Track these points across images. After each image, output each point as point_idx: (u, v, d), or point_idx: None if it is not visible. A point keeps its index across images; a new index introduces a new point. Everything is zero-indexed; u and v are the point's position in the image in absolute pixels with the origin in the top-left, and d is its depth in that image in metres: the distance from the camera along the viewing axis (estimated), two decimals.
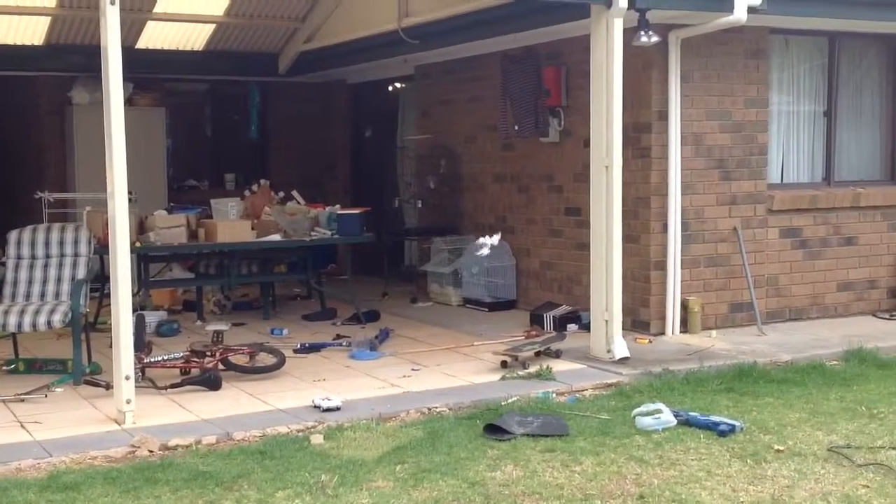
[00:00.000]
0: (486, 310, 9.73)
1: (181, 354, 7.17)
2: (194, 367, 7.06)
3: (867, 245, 9.29)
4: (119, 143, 5.93)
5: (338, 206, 10.14)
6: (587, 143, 7.74)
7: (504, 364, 7.24)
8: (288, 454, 5.31)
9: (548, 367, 7.03)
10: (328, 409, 6.11)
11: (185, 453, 5.42)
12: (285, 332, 8.86)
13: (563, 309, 8.85)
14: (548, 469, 5.10)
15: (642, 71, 8.25)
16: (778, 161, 9.10)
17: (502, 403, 6.27)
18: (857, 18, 8.66)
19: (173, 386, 6.73)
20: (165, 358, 7.15)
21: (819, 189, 9.20)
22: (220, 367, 7.02)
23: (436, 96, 11.06)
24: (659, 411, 5.87)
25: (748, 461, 5.22)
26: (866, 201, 9.24)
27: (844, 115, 9.39)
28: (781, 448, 5.41)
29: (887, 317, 9.14)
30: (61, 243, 7.64)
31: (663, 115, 8.28)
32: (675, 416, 5.87)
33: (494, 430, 5.67)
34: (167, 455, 5.38)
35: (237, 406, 6.33)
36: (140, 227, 8.96)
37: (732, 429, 5.68)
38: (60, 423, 5.92)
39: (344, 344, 8.18)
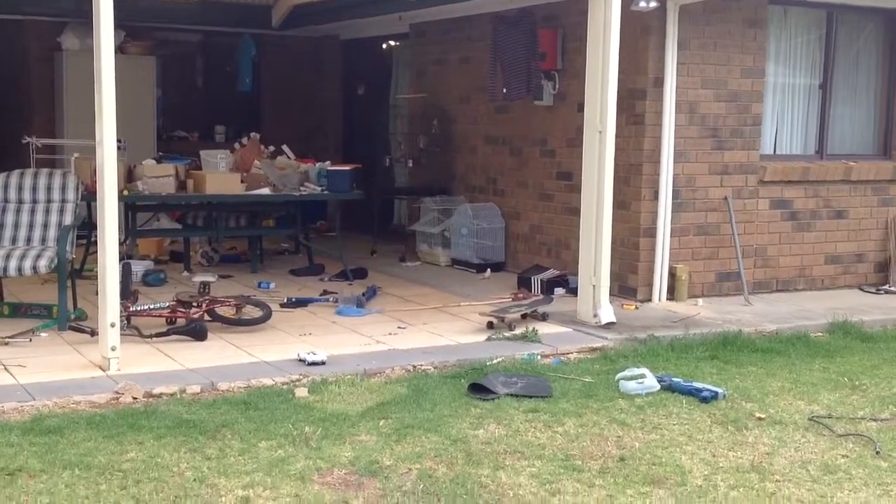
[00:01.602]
0: (475, 271, 9.73)
1: (167, 304, 7.16)
2: (180, 316, 7.04)
3: (856, 219, 9.31)
4: (109, 91, 5.87)
5: (328, 162, 10.09)
6: (581, 108, 7.70)
7: (490, 325, 7.25)
8: (272, 406, 5.32)
9: (534, 330, 7.04)
10: (313, 364, 6.12)
11: (170, 401, 5.42)
12: (272, 285, 8.85)
13: (550, 272, 8.86)
14: (530, 429, 5.12)
15: (639, 37, 8.19)
16: (772, 132, 9.08)
17: (487, 363, 6.29)
18: None
19: (159, 335, 6.72)
20: (151, 307, 7.14)
21: (811, 161, 9.20)
22: (207, 318, 7.00)
23: (430, 56, 10.97)
24: (643, 376, 5.90)
25: (729, 427, 5.26)
26: (857, 175, 9.25)
27: (840, 89, 9.35)
28: (763, 416, 5.45)
29: (873, 291, 9.19)
30: (48, 189, 7.57)
31: (659, 82, 8.24)
32: (659, 382, 5.90)
33: (478, 390, 5.69)
34: (151, 402, 5.38)
35: (222, 357, 6.33)
36: (128, 176, 8.90)
37: (715, 395, 5.72)
38: (44, 368, 5.91)
39: (331, 300, 8.17)
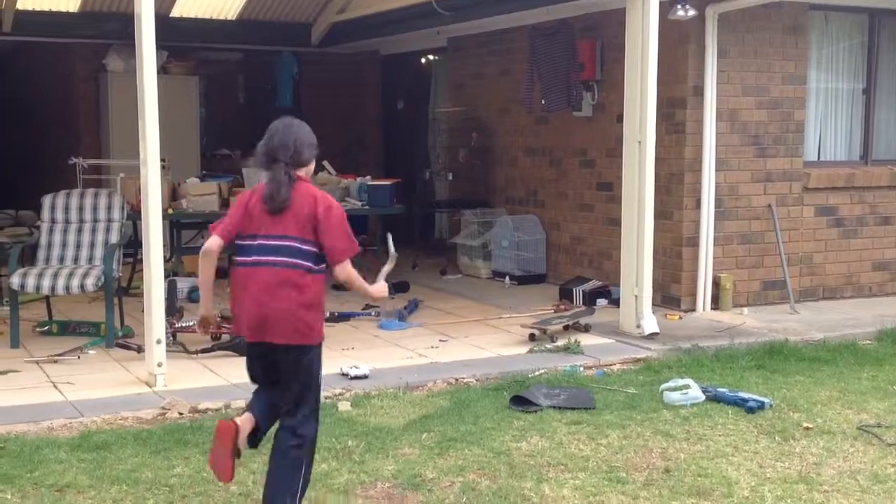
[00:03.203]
0: (516, 283, 9.71)
1: None
2: (225, 332, 7.10)
3: None
4: (152, 111, 5.97)
5: (368, 177, 10.15)
6: (620, 118, 7.67)
7: (532, 337, 7.23)
8: None
9: (576, 341, 7.02)
10: (356, 378, 6.15)
11: (215, 416, 5.47)
12: None
13: (592, 283, 8.82)
14: (573, 441, 5.10)
15: (678, 45, 8.16)
16: (815, 138, 8.97)
17: (529, 376, 6.28)
18: None
19: (204, 351, 6.79)
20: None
21: (856, 167, 9.07)
22: None
23: (468, 69, 11.01)
24: (687, 387, 5.85)
25: (776, 438, 5.19)
26: None
27: (884, 94, 9.23)
28: (810, 426, 5.38)
29: None
30: (95, 209, 7.71)
31: (699, 91, 8.19)
32: (704, 392, 5.85)
33: (521, 402, 5.68)
34: (197, 418, 5.44)
35: None
36: (172, 195, 9.03)
37: (761, 405, 5.65)
38: (92, 385, 6.01)
39: (373, 314, 8.20)
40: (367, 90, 13.44)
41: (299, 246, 4.00)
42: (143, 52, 5.92)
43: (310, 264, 4.01)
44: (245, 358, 4.26)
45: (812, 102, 8.85)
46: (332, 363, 6.47)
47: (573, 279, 9.10)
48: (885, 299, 8.94)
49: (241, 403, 5.65)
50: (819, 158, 9.02)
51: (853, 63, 9.08)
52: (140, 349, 6.48)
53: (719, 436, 5.22)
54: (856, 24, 9.03)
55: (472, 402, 5.71)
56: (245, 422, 4.05)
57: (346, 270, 4.06)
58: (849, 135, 9.18)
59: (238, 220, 4.13)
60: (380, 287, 4.31)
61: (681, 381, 5.92)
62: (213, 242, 4.16)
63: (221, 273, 10.53)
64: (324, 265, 4.06)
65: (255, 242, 4.04)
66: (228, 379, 6.19)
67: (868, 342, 7.41)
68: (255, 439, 4.10)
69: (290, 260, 3.99)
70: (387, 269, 4.42)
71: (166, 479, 4.51)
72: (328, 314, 8.07)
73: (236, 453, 4.02)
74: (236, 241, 4.14)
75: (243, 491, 4.38)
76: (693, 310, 8.28)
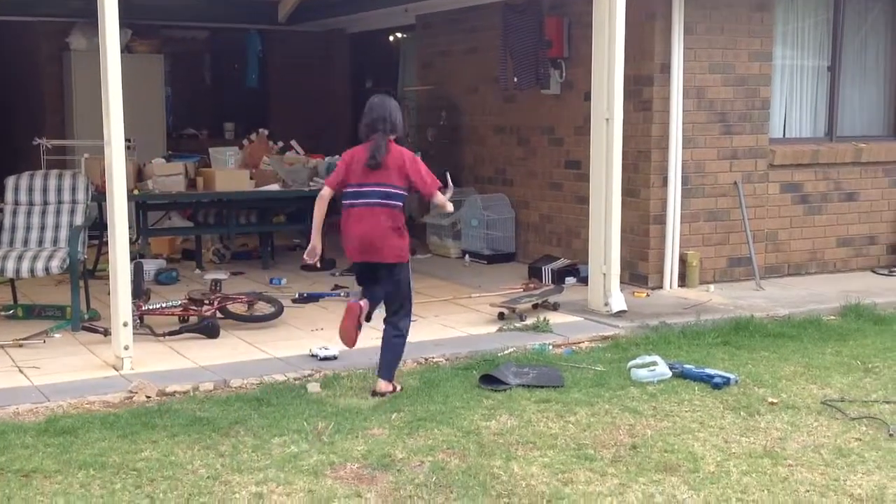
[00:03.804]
0: (485, 262, 9.73)
1: (179, 302, 7.19)
2: (192, 314, 7.07)
3: (867, 201, 9.27)
4: (115, 91, 5.89)
5: (337, 156, 10.08)
6: (588, 96, 7.68)
7: (501, 316, 7.26)
8: (285, 402, 5.34)
9: (545, 320, 7.05)
10: (325, 358, 6.14)
11: (183, 399, 5.45)
12: (284, 281, 8.88)
13: (561, 262, 8.85)
14: (542, 419, 5.13)
15: (645, 22, 8.16)
16: (780, 115, 9.03)
17: (499, 355, 6.30)
18: None
19: (171, 333, 6.75)
20: (164, 305, 7.17)
21: (821, 144, 9.15)
22: (219, 315, 7.03)
23: (437, 47, 10.96)
24: (654, 364, 5.90)
25: (741, 413, 5.25)
26: (868, 157, 9.20)
27: (848, 71, 9.30)
28: (775, 401, 5.44)
29: (886, 273, 9.15)
30: (59, 190, 7.62)
31: (665, 68, 8.21)
32: (671, 369, 5.90)
33: (490, 381, 5.70)
34: (165, 401, 5.41)
35: (235, 354, 6.36)
36: (138, 175, 8.95)
37: (727, 381, 5.71)
38: (58, 369, 5.96)
39: (342, 294, 8.18)
40: (335, 69, 13.35)
41: (392, 190, 5.48)
42: (106, 31, 5.83)
43: (399, 203, 5.52)
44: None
45: (778, 79, 8.90)
46: (301, 344, 6.50)
47: (542, 258, 9.13)
48: (849, 275, 9.06)
49: (210, 386, 5.67)
50: (784, 135, 9.08)
51: (818, 40, 9.14)
52: (107, 332, 6.43)
53: (686, 412, 5.28)
54: (821, 0, 9.08)
55: (441, 382, 5.72)
56: (365, 305, 5.62)
57: (437, 197, 5.62)
58: (814, 112, 9.25)
59: (343, 174, 5.59)
60: (446, 201, 5.74)
61: (648, 358, 5.97)
62: (325, 191, 5.68)
63: (189, 255, 10.45)
64: (402, 203, 5.56)
65: (361, 189, 5.50)
66: (196, 361, 6.16)
67: (832, 318, 7.50)
68: (367, 317, 5.70)
69: (385, 201, 5.48)
70: (449, 194, 5.82)
71: (134, 462, 4.49)
72: (297, 295, 8.09)
73: (359, 326, 5.60)
74: (344, 190, 5.59)
75: (211, 474, 4.37)
76: (660, 287, 8.34)
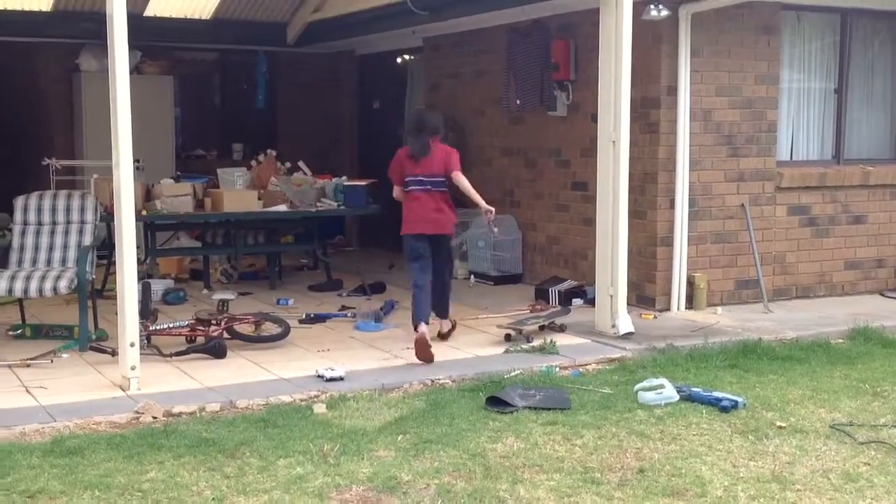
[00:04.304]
0: (492, 283, 9.73)
1: (186, 322, 7.20)
2: (199, 335, 7.09)
3: (875, 224, 9.25)
4: (124, 111, 5.92)
5: (344, 177, 10.14)
6: (595, 118, 7.69)
7: (508, 337, 7.25)
8: (291, 423, 5.34)
9: (552, 341, 7.03)
10: (332, 379, 6.13)
11: (189, 420, 5.45)
12: (291, 302, 8.89)
13: (568, 283, 8.85)
14: (549, 442, 5.11)
15: (652, 45, 8.19)
16: (787, 138, 9.04)
17: (505, 376, 6.29)
18: None
19: (178, 353, 6.76)
20: (171, 326, 7.18)
21: (828, 167, 9.15)
22: (226, 335, 7.04)
23: (444, 69, 11.01)
24: (661, 386, 5.88)
25: (749, 437, 5.22)
26: (875, 180, 9.19)
27: (855, 94, 9.31)
28: (783, 424, 5.42)
29: (894, 296, 9.11)
30: (68, 210, 7.65)
31: (672, 91, 8.23)
32: (678, 392, 5.88)
33: (497, 403, 5.69)
34: (171, 422, 5.41)
35: (241, 375, 6.36)
36: (146, 196, 8.98)
37: (735, 405, 5.68)
38: (65, 389, 5.96)
39: (349, 315, 8.20)
40: (343, 90, 13.41)
41: (440, 179, 7.14)
42: (116, 53, 5.87)
43: (445, 187, 7.17)
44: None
45: (784, 102, 8.91)
46: (307, 365, 6.50)
47: (549, 279, 9.12)
48: (857, 298, 9.03)
49: (216, 407, 5.67)
50: (791, 158, 9.09)
51: (825, 63, 9.16)
52: (114, 352, 6.43)
53: (693, 435, 5.25)
54: (828, 24, 9.11)
55: (447, 404, 5.71)
56: (424, 329, 6.75)
57: (458, 176, 7.14)
58: (821, 134, 9.26)
59: (399, 171, 7.30)
60: (485, 203, 7.26)
61: (655, 381, 5.95)
62: (396, 190, 7.39)
63: (196, 276, 10.48)
64: (447, 187, 7.18)
65: (416, 178, 7.15)
66: (203, 382, 6.16)
67: (841, 341, 7.48)
68: (432, 299, 7.15)
69: (437, 187, 7.13)
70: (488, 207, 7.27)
71: (139, 483, 4.48)
72: (304, 315, 8.10)
73: (428, 345, 6.67)
74: (405, 180, 7.23)
75: (216, 496, 4.36)
76: (668, 309, 8.33)
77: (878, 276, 9.31)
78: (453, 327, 7.42)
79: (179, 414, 5.55)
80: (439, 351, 6.99)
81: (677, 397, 5.83)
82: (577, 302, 8.55)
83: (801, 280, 8.96)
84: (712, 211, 8.52)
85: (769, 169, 8.72)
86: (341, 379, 6.16)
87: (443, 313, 7.36)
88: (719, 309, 8.38)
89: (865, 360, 6.88)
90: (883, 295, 9.19)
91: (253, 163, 10.30)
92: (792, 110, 9.03)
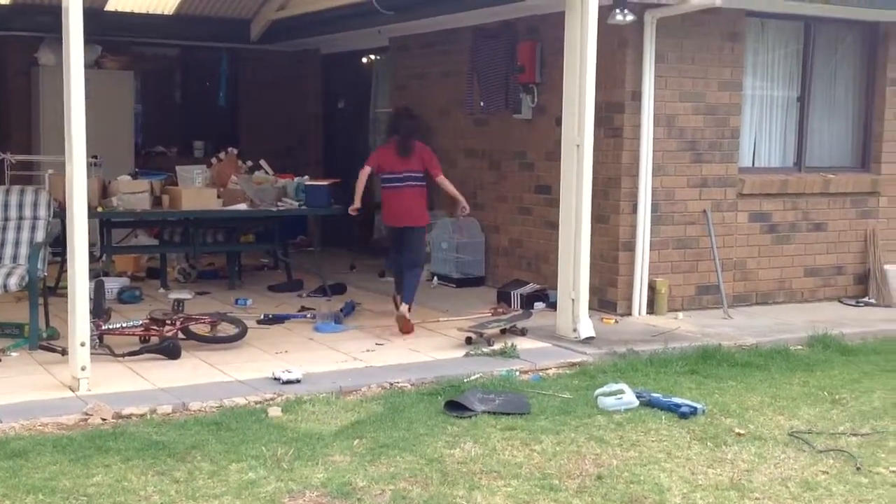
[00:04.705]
0: (454, 286, 9.66)
1: (140, 322, 7.05)
2: (154, 335, 6.95)
3: (835, 231, 9.31)
4: (78, 106, 5.79)
5: (307, 176, 10.02)
6: (560, 122, 7.66)
7: (469, 340, 7.18)
8: (244, 426, 5.22)
9: (512, 345, 6.98)
10: (288, 382, 6.02)
11: (139, 422, 5.32)
12: (249, 302, 8.76)
13: (530, 287, 8.80)
14: (507, 447, 5.04)
15: (617, 50, 8.17)
16: (750, 145, 9.06)
17: (465, 380, 6.21)
18: (833, 3, 8.62)
19: (131, 354, 6.62)
20: (124, 325, 7.03)
21: (790, 174, 9.19)
22: (181, 335, 6.91)
23: (410, 69, 10.93)
24: (621, 392, 5.84)
25: (708, 444, 5.19)
26: (836, 188, 9.24)
27: (818, 102, 9.36)
28: (742, 431, 5.39)
29: (853, 303, 9.17)
30: (20, 206, 7.47)
31: (636, 96, 8.21)
32: (638, 397, 5.84)
33: (456, 407, 5.61)
34: (120, 423, 5.28)
35: (195, 376, 6.23)
36: (103, 192, 8.80)
37: (694, 411, 5.65)
38: (13, 389, 5.79)
39: (308, 316, 8.08)
40: (307, 89, 13.28)
41: (420, 175, 7.78)
42: (70, 46, 5.73)
43: (422, 183, 7.80)
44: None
45: (748, 109, 8.94)
46: (263, 367, 6.38)
47: (511, 282, 9.07)
48: (816, 305, 9.07)
49: (168, 409, 5.54)
50: (754, 165, 9.11)
51: (788, 71, 9.20)
52: (64, 352, 6.28)
53: (652, 441, 5.21)
54: (791, 31, 9.15)
55: (406, 408, 5.63)
56: (405, 309, 7.62)
57: (442, 179, 7.92)
58: (783, 142, 9.29)
59: (377, 162, 7.87)
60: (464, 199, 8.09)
61: (615, 386, 5.91)
62: (366, 169, 7.85)
63: (154, 274, 10.29)
64: (424, 182, 7.83)
65: (399, 175, 7.74)
66: (155, 383, 6.02)
67: (800, 347, 7.49)
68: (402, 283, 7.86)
69: (417, 182, 7.77)
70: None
71: (84, 488, 4.35)
72: (262, 316, 7.98)
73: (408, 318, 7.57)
74: (382, 176, 7.84)
75: (164, 501, 4.24)
76: (629, 314, 8.31)
77: (836, 283, 9.37)
78: (408, 310, 7.75)
79: (129, 415, 5.42)
80: (399, 354, 6.92)
81: (637, 403, 5.79)
82: (539, 306, 8.50)
83: (760, 286, 8.99)
84: (674, 216, 8.51)
85: (731, 175, 8.73)
86: (298, 381, 6.05)
87: (409, 298, 7.75)
88: (680, 314, 8.37)
89: (824, 367, 6.90)
90: (841, 302, 9.24)
91: (213, 160, 10.14)
92: (755, 117, 9.06)
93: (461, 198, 8.02)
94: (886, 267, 9.31)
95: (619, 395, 5.79)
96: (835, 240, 9.31)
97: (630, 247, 8.30)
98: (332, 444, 5.01)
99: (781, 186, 8.99)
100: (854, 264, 9.42)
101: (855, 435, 5.40)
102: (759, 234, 8.93)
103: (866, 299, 9.24)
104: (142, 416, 5.43)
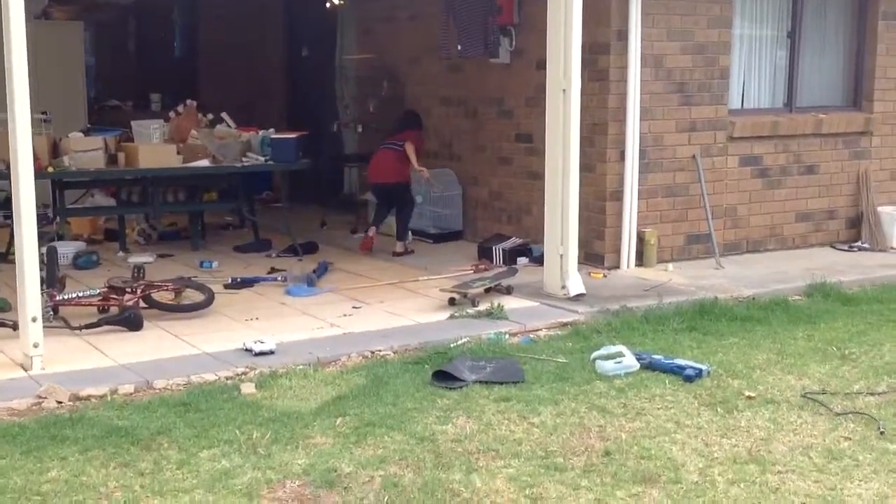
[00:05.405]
0: (431, 241, 9.21)
1: (98, 291, 6.54)
2: (113, 304, 6.44)
3: (827, 174, 8.94)
4: (20, 56, 5.23)
5: (272, 129, 9.42)
6: (540, 65, 7.19)
7: (452, 301, 6.75)
8: (215, 406, 4.77)
9: (499, 305, 6.55)
10: (261, 353, 5.57)
11: (99, 405, 4.85)
12: (215, 264, 8.23)
13: (513, 241, 8.36)
14: (503, 421, 4.64)
15: None
16: (739, 85, 8.62)
17: (451, 346, 5.79)
18: None
19: (89, 326, 6.11)
20: (81, 295, 6.52)
21: (780, 115, 8.77)
22: (142, 304, 6.41)
23: (378, 12, 10.34)
24: (620, 354, 5.45)
25: (718, 410, 4.82)
26: (828, 128, 8.85)
27: (808, 38, 8.91)
28: (752, 394, 5.03)
29: (846, 248, 8.84)
30: None
31: (623, 35, 7.72)
32: (638, 360, 5.45)
33: (444, 377, 5.19)
34: (78, 407, 4.81)
35: (160, 349, 5.76)
36: (54, 151, 8.20)
37: (699, 373, 5.28)
38: None
39: (279, 279, 7.59)
40: (269, 36, 12.61)
41: (398, 144, 8.73)
42: None
43: (400, 149, 8.70)
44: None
45: (737, 47, 8.48)
46: (234, 336, 5.93)
47: (492, 237, 8.62)
48: (808, 251, 8.73)
49: (130, 388, 5.08)
50: (742, 106, 8.68)
51: (778, 5, 8.73)
52: (15, 326, 5.75)
53: (658, 409, 4.83)
54: None
55: (390, 379, 5.19)
56: (373, 232, 8.78)
57: (408, 145, 8.68)
58: (773, 81, 8.86)
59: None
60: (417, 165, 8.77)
61: (613, 349, 5.52)
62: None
63: (112, 236, 9.67)
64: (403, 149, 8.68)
65: (385, 142, 8.91)
66: (116, 359, 5.54)
67: (798, 297, 7.15)
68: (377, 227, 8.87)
69: (392, 147, 8.76)
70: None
71: (38, 485, 3.89)
72: (229, 280, 7.49)
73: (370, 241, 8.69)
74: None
75: (128, 498, 3.79)
76: (617, 267, 7.91)
77: (828, 228, 9.02)
78: (405, 251, 8.62)
79: (88, 397, 4.94)
80: (379, 318, 6.48)
81: (637, 366, 5.41)
82: (522, 261, 8.07)
83: (752, 234, 8.62)
84: (663, 163, 8.09)
85: (721, 118, 8.30)
86: (271, 352, 5.60)
87: (399, 236, 8.66)
88: (670, 266, 7.99)
89: (827, 318, 6.55)
90: (834, 247, 8.91)
91: (172, 114, 9.52)
92: (744, 56, 8.61)
93: (415, 163, 8.69)
94: (879, 209, 8.98)
95: (618, 359, 5.40)
96: (826, 182, 8.95)
97: (618, 196, 7.87)
98: (313, 423, 4.57)
99: (773, 128, 8.58)
100: (846, 207, 9.08)
101: (872, 394, 5.06)
102: (750, 178, 8.53)
103: (859, 244, 8.91)
104: (101, 397, 4.95)
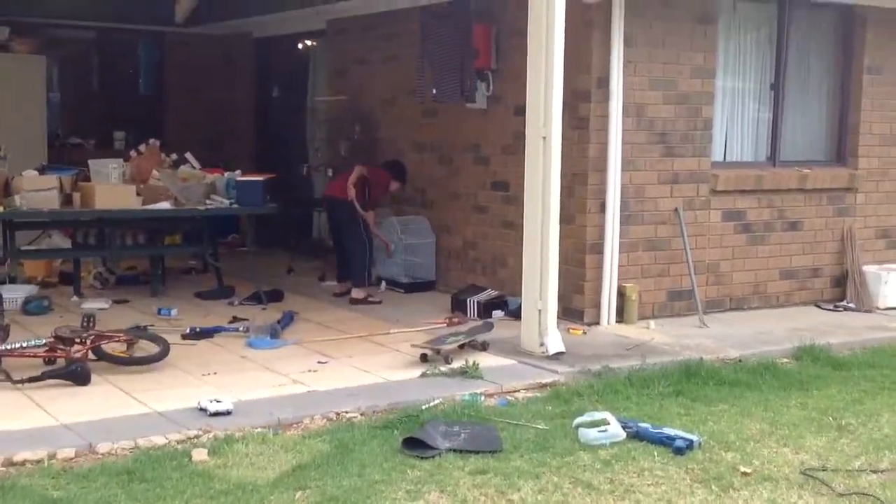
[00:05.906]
0: (402, 291, 8.83)
1: (44, 341, 6.08)
2: (60, 356, 5.98)
3: (811, 230, 8.68)
4: None
5: (238, 171, 9.05)
6: (518, 111, 6.92)
7: (424, 358, 6.35)
8: (162, 475, 4.33)
9: (474, 363, 6.16)
10: (216, 414, 5.14)
11: (35, 471, 4.39)
12: (174, 312, 7.79)
13: (487, 293, 7.99)
14: (480, 498, 4.23)
15: (581, 31, 7.38)
16: (721, 137, 8.38)
17: (423, 408, 5.38)
18: None
19: (31, 380, 5.65)
20: (25, 345, 6.05)
21: (764, 169, 8.53)
22: (91, 356, 5.97)
23: (351, 54, 10.05)
24: (605, 422, 5.07)
25: (713, 487, 4.44)
26: (813, 183, 8.61)
27: (792, 90, 8.70)
28: (748, 470, 4.66)
29: (831, 308, 8.55)
30: None
31: (603, 82, 7.46)
32: (624, 428, 5.08)
33: (415, 444, 4.78)
34: (10, 474, 4.35)
35: (107, 407, 5.30)
36: (5, 189, 7.77)
37: (690, 444, 4.91)
38: None
39: (241, 329, 7.17)
40: (238, 76, 12.29)
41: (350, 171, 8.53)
42: None
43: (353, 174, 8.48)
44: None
45: (720, 98, 8.24)
46: (188, 394, 5.49)
47: (467, 288, 8.25)
48: (792, 310, 8.43)
49: (71, 452, 4.64)
50: (725, 159, 8.43)
51: (762, 57, 8.53)
52: None
53: (648, 485, 4.45)
54: (764, 15, 8.48)
55: (357, 446, 4.78)
56: (356, 293, 8.36)
57: (358, 169, 8.50)
58: (755, 134, 8.63)
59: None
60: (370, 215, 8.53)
61: (597, 415, 5.14)
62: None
63: (67, 279, 9.20)
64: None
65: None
66: (58, 417, 5.09)
67: (787, 360, 6.83)
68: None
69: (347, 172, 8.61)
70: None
71: None
72: (188, 330, 7.06)
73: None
74: None
75: None
76: (597, 323, 7.57)
77: (813, 286, 8.74)
78: (366, 298, 8.27)
79: (23, 462, 4.48)
80: (346, 374, 6.07)
81: (623, 435, 5.03)
82: (497, 314, 7.72)
83: (735, 290, 8.32)
84: (644, 216, 7.79)
85: (704, 171, 8.04)
86: (228, 413, 5.17)
87: (353, 280, 8.27)
88: (652, 323, 7.66)
89: (819, 384, 6.22)
90: (818, 306, 8.62)
91: (133, 153, 9.12)
92: (727, 107, 8.37)
93: (367, 217, 8.58)
94: (865, 268, 8.72)
95: (602, 427, 5.02)
96: (811, 240, 8.68)
97: (598, 249, 7.55)
98: (269, 497, 4.15)
99: (756, 182, 8.33)
100: (831, 265, 8.81)
101: (874, 472, 4.71)
102: (734, 234, 8.25)
103: (845, 303, 8.63)
104: (38, 462, 4.50)
